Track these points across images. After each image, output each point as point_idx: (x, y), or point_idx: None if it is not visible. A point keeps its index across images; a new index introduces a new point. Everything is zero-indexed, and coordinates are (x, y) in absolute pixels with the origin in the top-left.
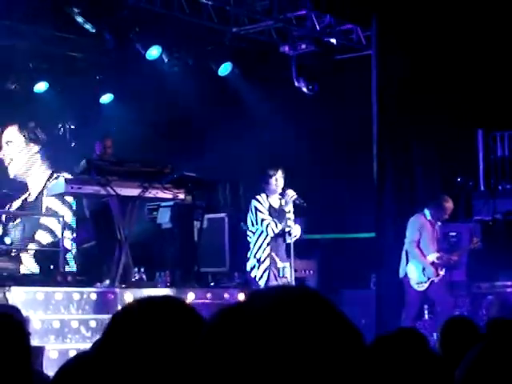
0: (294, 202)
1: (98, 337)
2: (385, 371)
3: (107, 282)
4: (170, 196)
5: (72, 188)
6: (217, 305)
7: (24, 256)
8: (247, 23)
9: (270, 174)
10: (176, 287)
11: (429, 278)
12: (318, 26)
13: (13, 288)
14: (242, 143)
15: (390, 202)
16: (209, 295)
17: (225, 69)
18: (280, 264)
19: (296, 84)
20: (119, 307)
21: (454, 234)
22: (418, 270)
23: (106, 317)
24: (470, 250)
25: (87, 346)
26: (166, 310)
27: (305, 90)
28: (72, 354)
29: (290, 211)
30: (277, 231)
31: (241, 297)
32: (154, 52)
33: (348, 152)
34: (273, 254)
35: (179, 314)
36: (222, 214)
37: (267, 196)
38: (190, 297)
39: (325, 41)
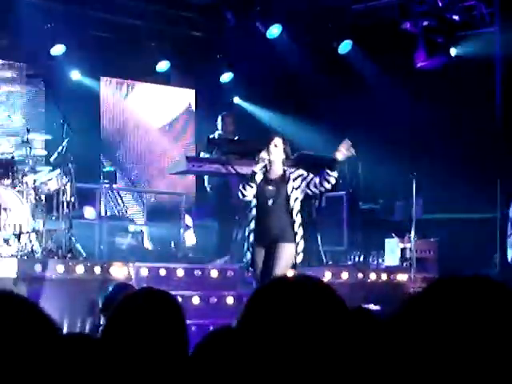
0: None
1: (218, 313)
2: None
3: (226, 258)
4: None
5: (193, 166)
6: (336, 284)
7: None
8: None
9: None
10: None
11: None
12: (440, 2)
13: (136, 264)
14: (362, 122)
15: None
16: (327, 274)
17: (345, 47)
18: None
19: (417, 61)
20: (239, 285)
21: None
22: None
23: (227, 293)
24: None
25: (206, 322)
26: (300, 290)
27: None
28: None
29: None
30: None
31: (360, 276)
32: (274, 31)
33: (469, 130)
34: None
35: None
36: (341, 193)
37: None
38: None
39: (447, 17)
